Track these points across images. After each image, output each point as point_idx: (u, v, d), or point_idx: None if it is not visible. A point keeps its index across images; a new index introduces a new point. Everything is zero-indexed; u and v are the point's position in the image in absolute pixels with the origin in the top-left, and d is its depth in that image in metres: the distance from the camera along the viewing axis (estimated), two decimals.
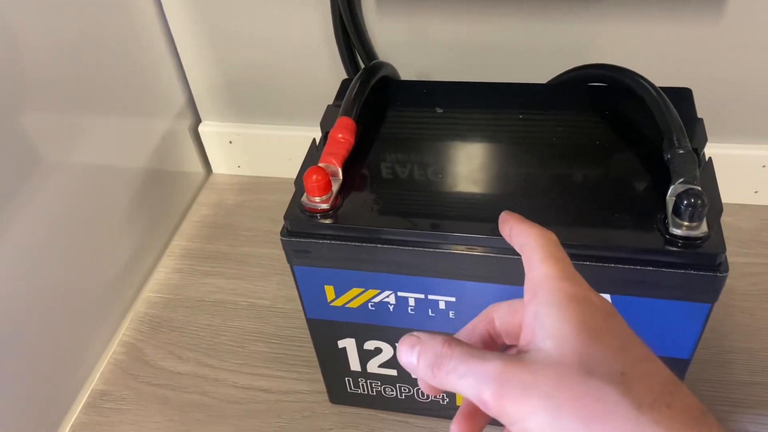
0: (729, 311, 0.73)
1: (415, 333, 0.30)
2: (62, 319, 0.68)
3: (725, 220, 0.82)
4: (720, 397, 0.65)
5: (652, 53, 0.72)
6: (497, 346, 0.33)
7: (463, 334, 0.33)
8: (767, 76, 0.72)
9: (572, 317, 0.27)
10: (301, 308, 0.57)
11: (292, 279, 0.55)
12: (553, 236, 0.31)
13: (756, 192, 0.82)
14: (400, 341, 0.30)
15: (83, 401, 0.71)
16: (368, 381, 0.64)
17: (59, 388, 0.68)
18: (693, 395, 0.26)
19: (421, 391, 0.63)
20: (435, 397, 0.63)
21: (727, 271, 0.45)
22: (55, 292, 0.67)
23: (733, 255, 0.78)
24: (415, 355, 0.29)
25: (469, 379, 0.27)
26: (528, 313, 0.29)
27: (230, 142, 0.94)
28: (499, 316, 0.33)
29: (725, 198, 0.82)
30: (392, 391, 0.64)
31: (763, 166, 0.79)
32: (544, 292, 0.28)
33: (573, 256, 0.46)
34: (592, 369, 0.25)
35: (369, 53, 0.76)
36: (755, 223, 0.81)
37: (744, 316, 0.72)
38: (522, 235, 0.32)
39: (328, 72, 0.82)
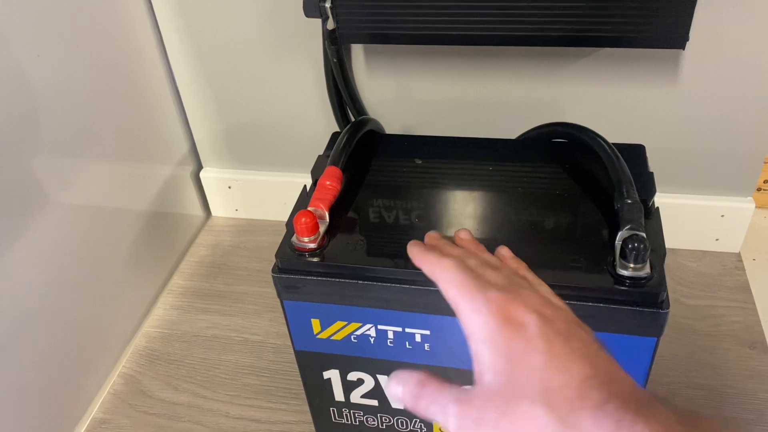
0: (691, 350, 0.78)
1: (400, 370, 0.36)
2: (65, 351, 0.72)
3: (689, 265, 0.88)
4: None
5: (616, 112, 0.79)
6: None
7: None
8: (719, 134, 0.79)
9: (499, 349, 0.32)
10: (290, 343, 0.62)
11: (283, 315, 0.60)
12: (450, 263, 0.37)
13: (717, 239, 0.88)
14: (390, 376, 0.36)
15: (83, 429, 0.75)
16: (351, 411, 0.68)
17: (61, 416, 0.73)
18: (633, 386, 0.30)
19: (401, 421, 0.67)
20: (413, 426, 0.67)
21: (668, 307, 0.50)
22: (59, 325, 0.71)
23: (695, 298, 0.84)
24: (400, 387, 0.35)
25: (438, 414, 0.33)
26: (472, 350, 0.33)
27: (229, 187, 1.00)
28: None
29: (689, 245, 0.89)
30: (374, 420, 0.68)
31: (722, 216, 0.85)
32: (476, 333, 0.33)
33: None
34: (521, 394, 0.30)
35: (359, 108, 0.83)
36: (716, 268, 0.87)
37: (705, 355, 0.77)
38: (428, 273, 0.38)
39: (320, 124, 0.89)
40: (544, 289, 0.39)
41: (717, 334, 0.79)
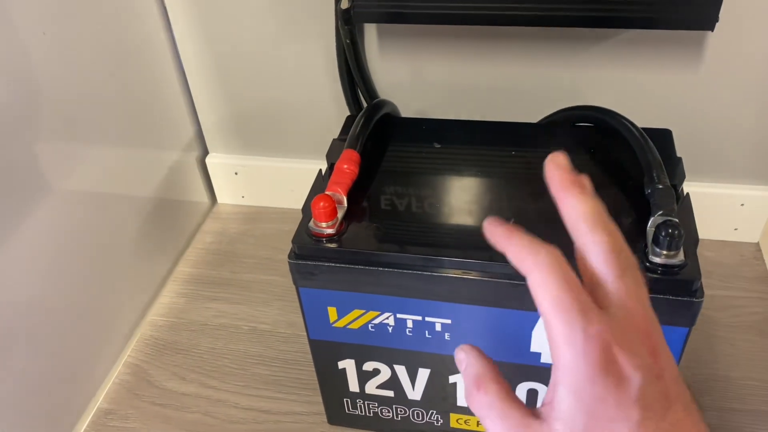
0: (711, 341, 0.76)
1: (466, 348, 0.34)
2: (69, 340, 0.70)
3: (708, 255, 0.86)
4: None
5: (637, 96, 0.77)
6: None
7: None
8: (742, 120, 0.77)
9: (584, 404, 0.27)
10: (300, 333, 0.60)
11: (292, 305, 0.58)
12: (550, 260, 0.29)
13: (736, 229, 0.86)
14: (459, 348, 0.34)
15: (88, 419, 0.73)
16: (366, 402, 0.66)
17: (65, 406, 0.71)
18: None
19: (417, 413, 0.66)
20: (429, 418, 0.66)
21: (702, 296, 0.49)
22: (64, 313, 0.69)
23: (715, 289, 0.82)
24: (462, 365, 0.33)
25: (496, 425, 0.30)
26: (553, 376, 0.29)
27: (236, 173, 0.98)
28: None
29: (707, 235, 0.87)
30: (389, 412, 0.67)
31: (742, 205, 0.84)
32: (563, 368, 0.28)
33: None
34: None
35: (371, 92, 0.81)
36: (735, 258, 0.85)
37: (725, 346, 0.75)
38: (516, 263, 0.31)
39: (330, 109, 0.87)
40: (656, 326, 0.31)
41: (737, 325, 0.78)
